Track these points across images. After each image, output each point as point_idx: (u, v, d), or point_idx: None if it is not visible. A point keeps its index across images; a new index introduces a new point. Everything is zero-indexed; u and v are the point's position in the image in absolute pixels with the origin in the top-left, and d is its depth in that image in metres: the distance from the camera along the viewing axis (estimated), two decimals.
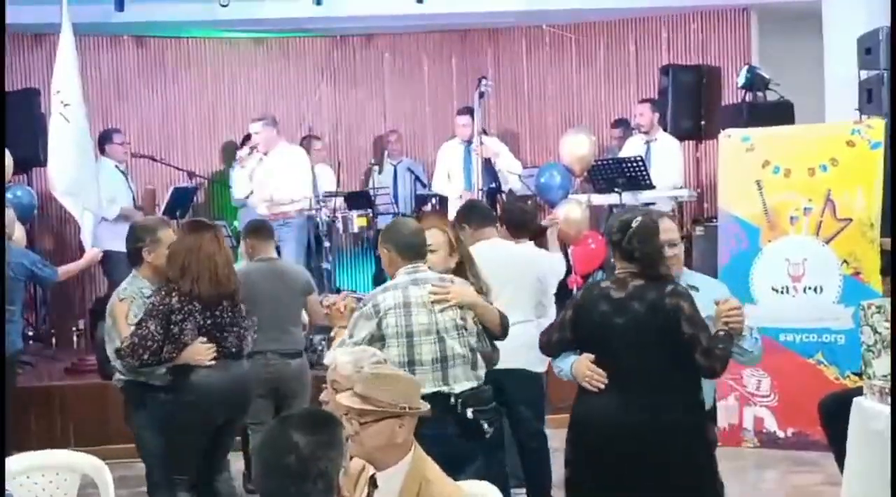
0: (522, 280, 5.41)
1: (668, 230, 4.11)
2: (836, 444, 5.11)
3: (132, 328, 4.69)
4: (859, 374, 5.33)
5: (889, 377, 4.79)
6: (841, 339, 6.62)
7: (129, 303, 4.87)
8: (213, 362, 4.72)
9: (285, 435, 2.48)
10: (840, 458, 5.05)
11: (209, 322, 4.73)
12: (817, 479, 5.97)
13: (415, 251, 4.32)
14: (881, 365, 4.89)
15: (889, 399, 4.77)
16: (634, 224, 3.83)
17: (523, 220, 5.87)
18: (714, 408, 4.39)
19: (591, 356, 3.87)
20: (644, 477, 3.73)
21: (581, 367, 3.88)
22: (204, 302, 4.71)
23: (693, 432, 3.84)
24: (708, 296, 4.00)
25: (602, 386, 3.83)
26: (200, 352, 4.70)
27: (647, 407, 3.74)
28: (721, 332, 3.80)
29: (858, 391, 5.10)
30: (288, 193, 8.59)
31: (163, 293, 4.70)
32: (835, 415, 5.10)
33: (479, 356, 4.38)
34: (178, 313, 4.65)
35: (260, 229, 6.12)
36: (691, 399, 3.86)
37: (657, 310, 3.76)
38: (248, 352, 4.97)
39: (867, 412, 4.88)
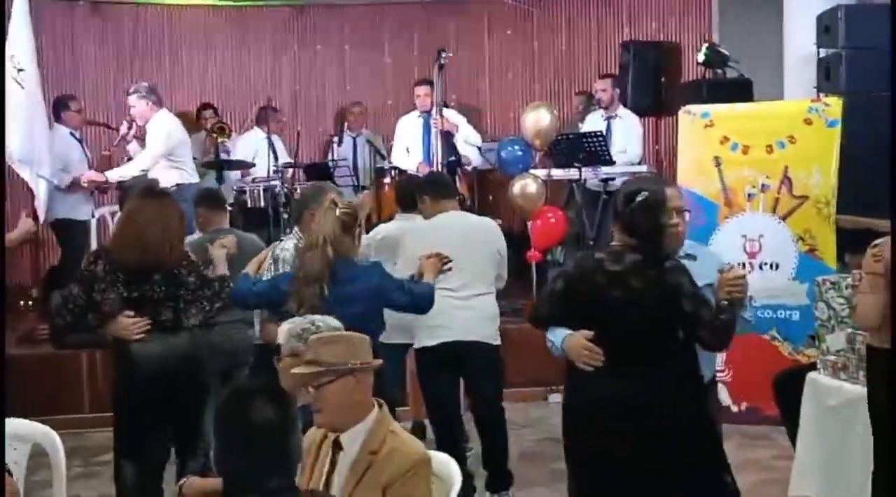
0: (483, 252, 5.37)
1: (676, 197, 3.90)
2: (789, 418, 5.17)
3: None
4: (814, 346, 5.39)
5: (842, 353, 4.87)
6: (795, 316, 6.68)
7: None
8: (141, 336, 4.47)
9: (245, 409, 2.43)
10: (792, 433, 5.12)
11: (136, 295, 4.47)
12: (770, 453, 6.02)
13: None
14: (835, 340, 4.96)
15: (842, 375, 4.85)
16: (639, 197, 3.62)
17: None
18: (714, 378, 4.30)
19: (588, 333, 3.66)
20: (649, 456, 3.56)
21: (577, 345, 3.68)
22: (129, 274, 4.47)
23: (696, 408, 3.72)
24: (705, 265, 3.89)
25: (599, 365, 3.63)
26: (125, 325, 4.45)
27: (649, 385, 3.57)
28: (724, 303, 3.62)
29: (812, 367, 5.17)
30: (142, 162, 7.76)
31: (90, 259, 4.53)
32: (788, 390, 5.16)
33: None
34: (102, 282, 4.45)
35: (211, 199, 5.97)
36: (691, 374, 3.72)
37: (657, 286, 3.57)
38: (192, 324, 4.61)
39: (821, 388, 4.95)
